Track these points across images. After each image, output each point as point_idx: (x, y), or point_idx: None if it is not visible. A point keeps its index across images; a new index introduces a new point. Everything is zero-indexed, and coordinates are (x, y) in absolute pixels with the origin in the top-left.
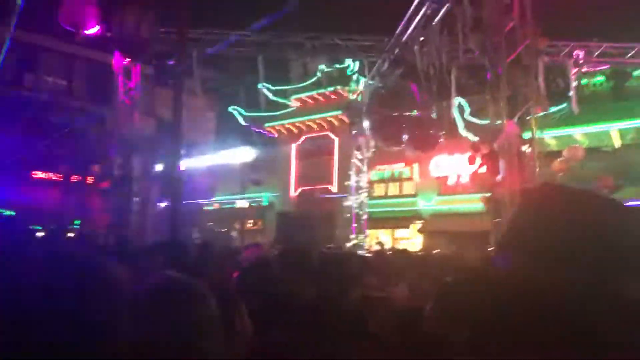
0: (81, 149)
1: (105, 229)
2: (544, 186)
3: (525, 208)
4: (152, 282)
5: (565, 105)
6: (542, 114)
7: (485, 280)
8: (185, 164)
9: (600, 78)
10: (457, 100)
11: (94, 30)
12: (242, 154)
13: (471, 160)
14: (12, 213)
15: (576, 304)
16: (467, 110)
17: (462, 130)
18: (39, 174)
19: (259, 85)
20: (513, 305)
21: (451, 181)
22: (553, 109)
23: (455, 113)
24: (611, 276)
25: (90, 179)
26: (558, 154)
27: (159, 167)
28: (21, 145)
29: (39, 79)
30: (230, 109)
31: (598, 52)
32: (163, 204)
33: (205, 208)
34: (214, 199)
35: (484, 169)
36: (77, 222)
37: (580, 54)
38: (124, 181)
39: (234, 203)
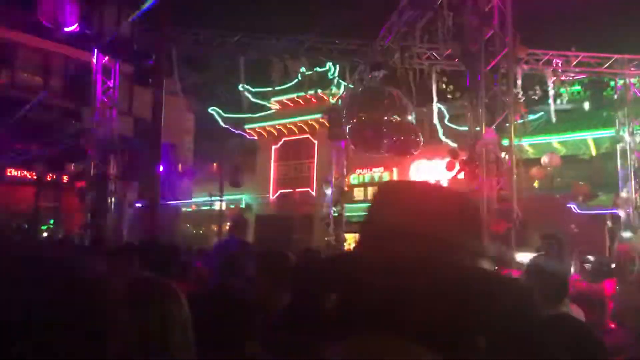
0: (57, 148)
1: (80, 229)
2: (386, 183)
3: (373, 202)
4: (124, 282)
5: (543, 113)
6: (520, 121)
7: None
8: (163, 165)
9: (577, 87)
10: (437, 106)
11: (73, 27)
12: (221, 156)
13: (450, 166)
14: None
15: (405, 278)
16: (447, 116)
17: (442, 136)
18: (13, 172)
19: (240, 87)
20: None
21: None
22: (531, 117)
23: (435, 119)
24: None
25: (65, 178)
26: (536, 161)
27: (136, 168)
28: None
29: (15, 75)
30: (210, 109)
31: (576, 62)
32: (139, 205)
33: (183, 209)
34: (191, 200)
35: (462, 175)
36: (51, 221)
37: (558, 62)
38: (100, 181)
39: (212, 205)
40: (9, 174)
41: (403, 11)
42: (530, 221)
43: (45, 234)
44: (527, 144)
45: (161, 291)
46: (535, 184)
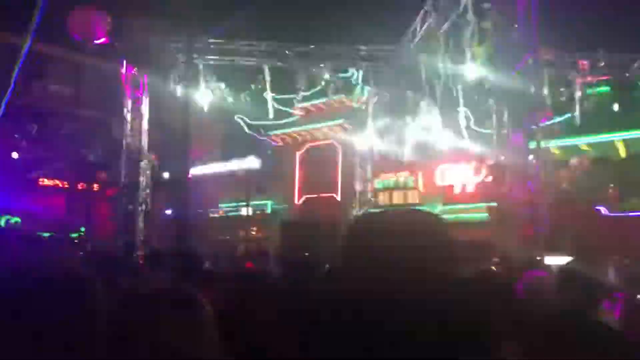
0: (88, 157)
1: (111, 236)
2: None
3: (348, 235)
4: (150, 289)
5: (570, 115)
6: (546, 124)
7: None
8: (191, 172)
9: (606, 88)
10: (462, 109)
11: (102, 39)
12: (247, 162)
13: (477, 171)
14: (18, 220)
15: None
16: (472, 119)
17: (468, 140)
18: (46, 182)
19: (265, 94)
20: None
21: (456, 190)
22: (558, 119)
23: (461, 122)
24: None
25: (96, 187)
26: (563, 164)
27: (165, 175)
28: (29, 153)
29: (47, 87)
30: (236, 117)
31: (603, 63)
32: (169, 212)
33: (210, 216)
34: (218, 206)
35: (489, 179)
36: (82, 229)
37: (585, 64)
38: (130, 189)
39: (238, 211)
40: (41, 183)
41: (427, 15)
42: (559, 224)
43: (76, 242)
44: (554, 147)
45: (184, 300)
46: (564, 187)
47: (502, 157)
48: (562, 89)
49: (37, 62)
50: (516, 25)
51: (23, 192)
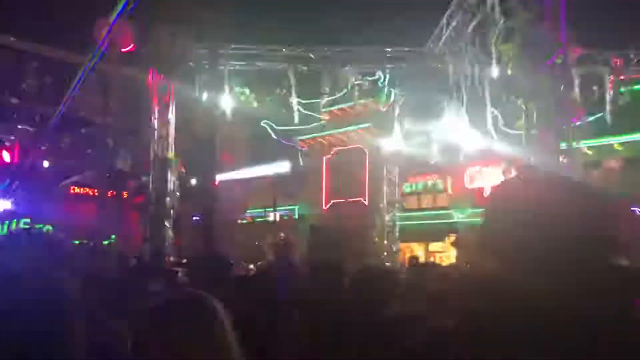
0: (118, 165)
1: (140, 243)
2: (505, 183)
3: (492, 206)
4: (167, 297)
5: (602, 114)
6: (578, 123)
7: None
8: (218, 178)
9: (639, 86)
10: (490, 110)
11: (129, 48)
12: (274, 168)
13: (506, 173)
14: (50, 228)
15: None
16: (502, 120)
17: (497, 141)
18: (77, 190)
19: (290, 99)
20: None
21: (486, 193)
22: (590, 118)
23: (489, 123)
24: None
25: (126, 195)
26: (597, 164)
27: (193, 182)
28: (60, 162)
29: (77, 97)
30: (262, 123)
31: (636, 60)
32: (196, 218)
33: (238, 221)
34: (246, 212)
35: None
36: (112, 236)
37: (617, 61)
38: (158, 196)
39: (266, 216)
40: (72, 191)
41: (452, 16)
42: None
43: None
44: (586, 147)
45: (200, 306)
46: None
47: (532, 158)
48: (594, 87)
49: (67, 72)
50: (544, 23)
51: (55, 200)
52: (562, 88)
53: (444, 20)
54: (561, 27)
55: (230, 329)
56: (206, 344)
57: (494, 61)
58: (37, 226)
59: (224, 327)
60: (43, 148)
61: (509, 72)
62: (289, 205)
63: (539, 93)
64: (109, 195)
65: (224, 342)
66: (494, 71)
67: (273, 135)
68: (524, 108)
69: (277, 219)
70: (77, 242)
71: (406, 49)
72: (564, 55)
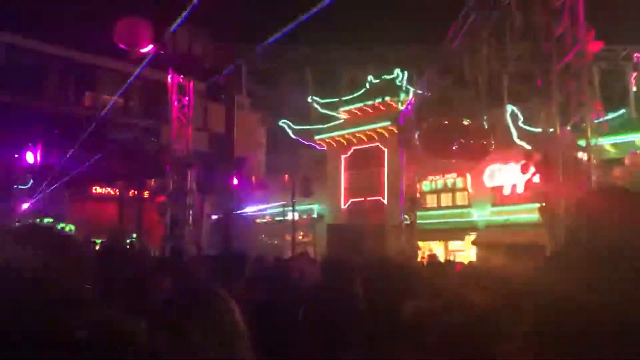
0: (138, 165)
1: (161, 241)
2: (600, 192)
3: (581, 215)
4: (180, 289)
5: (624, 110)
6: (599, 120)
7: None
8: (237, 177)
9: None
10: (510, 108)
11: (148, 48)
12: (293, 167)
13: (524, 169)
14: (72, 227)
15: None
16: (521, 118)
17: (517, 139)
18: (99, 190)
19: (308, 98)
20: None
21: (506, 191)
22: (612, 115)
23: (509, 121)
24: None
25: (146, 194)
26: (618, 161)
27: (212, 181)
28: (81, 162)
29: (98, 97)
30: (280, 122)
31: None
32: (215, 217)
33: (258, 220)
34: (265, 211)
35: (537, 178)
36: (134, 235)
37: (639, 57)
38: (178, 195)
39: (285, 215)
40: (94, 191)
41: (470, 12)
42: None
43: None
44: (608, 144)
45: (210, 298)
46: (619, 184)
47: (550, 154)
48: (615, 84)
49: (89, 74)
50: (562, 18)
51: (77, 200)
52: (579, 84)
53: (461, 18)
54: (579, 22)
55: (240, 319)
56: (216, 335)
57: (510, 58)
58: (59, 225)
59: (234, 318)
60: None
61: (526, 68)
62: (308, 204)
63: (556, 90)
64: (130, 195)
65: (233, 333)
66: (511, 68)
67: (291, 135)
68: (541, 105)
69: (297, 217)
70: (98, 241)
71: (424, 47)
72: (583, 51)
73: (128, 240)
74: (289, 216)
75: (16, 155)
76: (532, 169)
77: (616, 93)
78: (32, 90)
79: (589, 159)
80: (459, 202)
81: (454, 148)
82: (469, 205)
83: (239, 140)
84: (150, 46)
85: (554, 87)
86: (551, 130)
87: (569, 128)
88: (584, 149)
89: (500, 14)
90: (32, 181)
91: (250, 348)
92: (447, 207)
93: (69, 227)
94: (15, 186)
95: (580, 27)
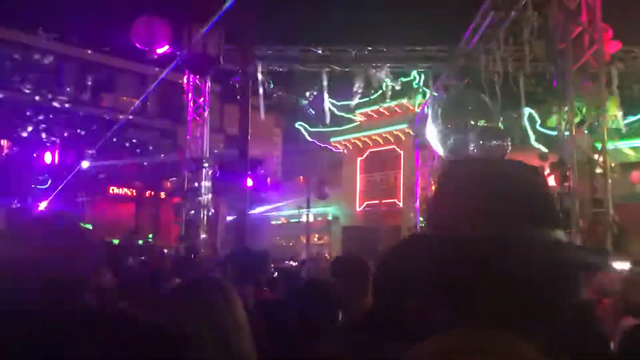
0: (154, 166)
1: (176, 241)
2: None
3: (441, 184)
4: (186, 281)
5: None
6: (616, 122)
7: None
8: (252, 178)
9: None
10: (527, 110)
11: (164, 49)
12: (308, 169)
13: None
14: (89, 227)
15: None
16: (538, 120)
17: (534, 142)
18: (116, 190)
19: (324, 100)
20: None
21: None
22: (632, 118)
23: (526, 124)
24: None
25: (163, 194)
26: (637, 165)
27: (228, 182)
28: (99, 162)
29: (116, 99)
30: (297, 124)
31: None
32: (230, 218)
33: (273, 222)
34: (281, 213)
35: (552, 179)
36: (149, 235)
37: None
38: (193, 195)
39: (300, 217)
40: (111, 191)
41: (486, 14)
42: (630, 228)
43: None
44: (627, 147)
45: (211, 288)
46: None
47: (565, 157)
48: (633, 86)
49: (108, 75)
50: (579, 19)
51: (94, 200)
52: (595, 86)
53: (478, 19)
54: (596, 22)
55: (241, 308)
56: (217, 323)
57: (527, 59)
58: None
59: (236, 307)
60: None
61: (542, 70)
62: (324, 206)
63: (572, 91)
64: (146, 195)
65: (234, 321)
66: (527, 69)
67: (307, 137)
68: (557, 107)
69: (312, 220)
70: (116, 240)
71: (440, 48)
72: (600, 52)
73: (141, 242)
74: (304, 218)
75: (34, 155)
76: (547, 170)
77: (637, 95)
78: (50, 90)
79: (604, 161)
80: None
81: (469, 150)
82: None
83: (254, 142)
84: (167, 46)
85: (569, 88)
86: (566, 132)
87: (585, 130)
88: (599, 152)
89: (517, 15)
90: (50, 181)
91: (252, 343)
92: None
93: (86, 227)
94: (33, 186)
95: (597, 27)
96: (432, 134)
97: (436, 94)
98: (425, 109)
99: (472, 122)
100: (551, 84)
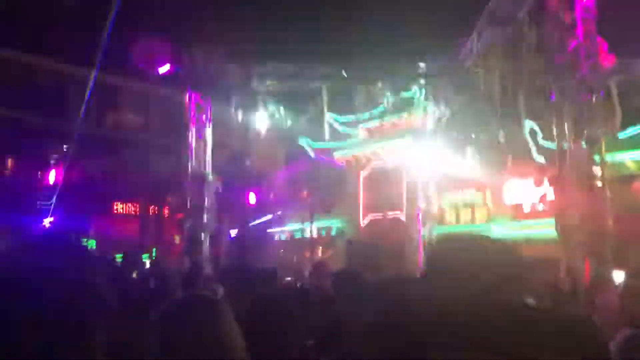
0: (157, 182)
1: (179, 257)
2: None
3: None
4: (176, 300)
5: None
6: (617, 134)
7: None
8: (256, 194)
9: None
10: (529, 124)
11: (166, 68)
12: (312, 184)
13: (537, 182)
14: (93, 243)
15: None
16: (540, 134)
17: (536, 154)
18: (120, 207)
19: (325, 117)
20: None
21: (526, 207)
22: (633, 130)
23: (528, 137)
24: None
25: (166, 211)
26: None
27: (231, 198)
28: (103, 179)
29: (120, 117)
30: (300, 141)
31: None
32: (234, 233)
33: (276, 237)
34: (284, 227)
35: (551, 192)
36: (154, 251)
37: None
38: (196, 212)
39: (304, 231)
40: (115, 208)
41: (483, 28)
42: (632, 240)
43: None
44: (628, 159)
45: (205, 305)
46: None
47: (564, 169)
48: (633, 98)
49: (111, 94)
50: (576, 33)
51: (98, 216)
52: (595, 98)
53: (475, 35)
54: (592, 36)
55: (235, 325)
56: (212, 340)
57: (524, 73)
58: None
59: (230, 324)
60: (87, 167)
61: (540, 83)
62: (327, 220)
63: (569, 104)
64: (150, 211)
65: (229, 338)
66: (525, 83)
67: (310, 153)
68: (555, 119)
69: (315, 234)
70: (119, 256)
71: (439, 63)
72: (596, 65)
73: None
74: (308, 232)
75: (39, 173)
76: (547, 184)
77: (637, 106)
78: (53, 110)
79: (603, 174)
80: (478, 218)
81: (470, 163)
82: (488, 221)
83: (258, 158)
84: (168, 65)
85: (567, 102)
86: (564, 145)
87: (583, 143)
88: (598, 164)
89: (515, 29)
90: (54, 199)
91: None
92: (466, 224)
93: (90, 243)
94: (38, 203)
95: (593, 41)
96: (436, 147)
97: (439, 109)
98: (427, 123)
99: (473, 136)
100: (549, 98)
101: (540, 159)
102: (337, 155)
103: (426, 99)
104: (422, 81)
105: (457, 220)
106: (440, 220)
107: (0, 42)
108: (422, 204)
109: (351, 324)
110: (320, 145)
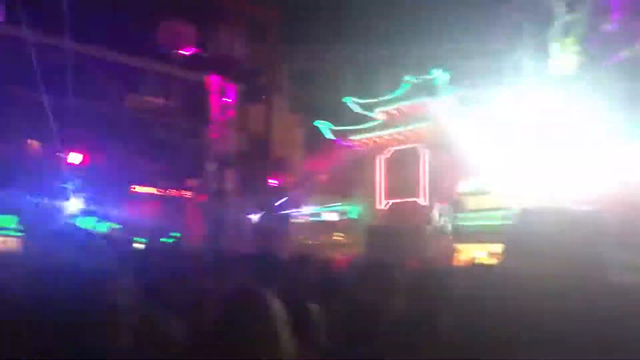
0: (179, 165)
1: (201, 240)
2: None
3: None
4: (225, 291)
5: None
6: None
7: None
8: (275, 177)
9: None
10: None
11: (190, 50)
12: (330, 168)
13: None
14: (119, 227)
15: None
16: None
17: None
18: (142, 190)
19: (346, 99)
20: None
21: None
22: None
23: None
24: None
25: (187, 193)
26: None
27: (252, 181)
28: (125, 162)
29: (141, 99)
30: (317, 123)
31: None
32: (255, 216)
33: (295, 221)
34: (303, 211)
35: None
36: (175, 234)
37: None
38: (218, 195)
39: (322, 216)
40: (138, 190)
41: (512, 9)
42: None
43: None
44: None
45: (253, 299)
46: None
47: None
48: None
49: (132, 75)
50: (613, 15)
51: (122, 200)
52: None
53: (504, 15)
54: (632, 19)
55: (283, 320)
56: (260, 336)
57: (554, 57)
58: (105, 225)
59: (277, 319)
60: (110, 149)
61: (570, 67)
62: (346, 205)
63: (602, 89)
64: (173, 194)
65: (277, 333)
66: (555, 67)
67: (329, 136)
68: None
69: (334, 218)
70: (143, 240)
71: (463, 46)
72: (634, 49)
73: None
74: (326, 216)
75: (62, 156)
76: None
77: None
78: (75, 91)
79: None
80: (499, 204)
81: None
82: (509, 207)
83: (278, 141)
84: (192, 48)
85: (598, 86)
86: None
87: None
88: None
89: (545, 13)
90: (78, 181)
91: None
92: (487, 209)
93: (116, 227)
94: (61, 186)
95: (634, 24)
96: (457, 132)
97: (461, 93)
98: (449, 107)
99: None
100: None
101: None
102: (356, 138)
103: (448, 82)
104: (445, 64)
105: (479, 205)
106: (461, 206)
107: (16, 22)
108: (442, 189)
109: (382, 314)
110: (338, 128)
